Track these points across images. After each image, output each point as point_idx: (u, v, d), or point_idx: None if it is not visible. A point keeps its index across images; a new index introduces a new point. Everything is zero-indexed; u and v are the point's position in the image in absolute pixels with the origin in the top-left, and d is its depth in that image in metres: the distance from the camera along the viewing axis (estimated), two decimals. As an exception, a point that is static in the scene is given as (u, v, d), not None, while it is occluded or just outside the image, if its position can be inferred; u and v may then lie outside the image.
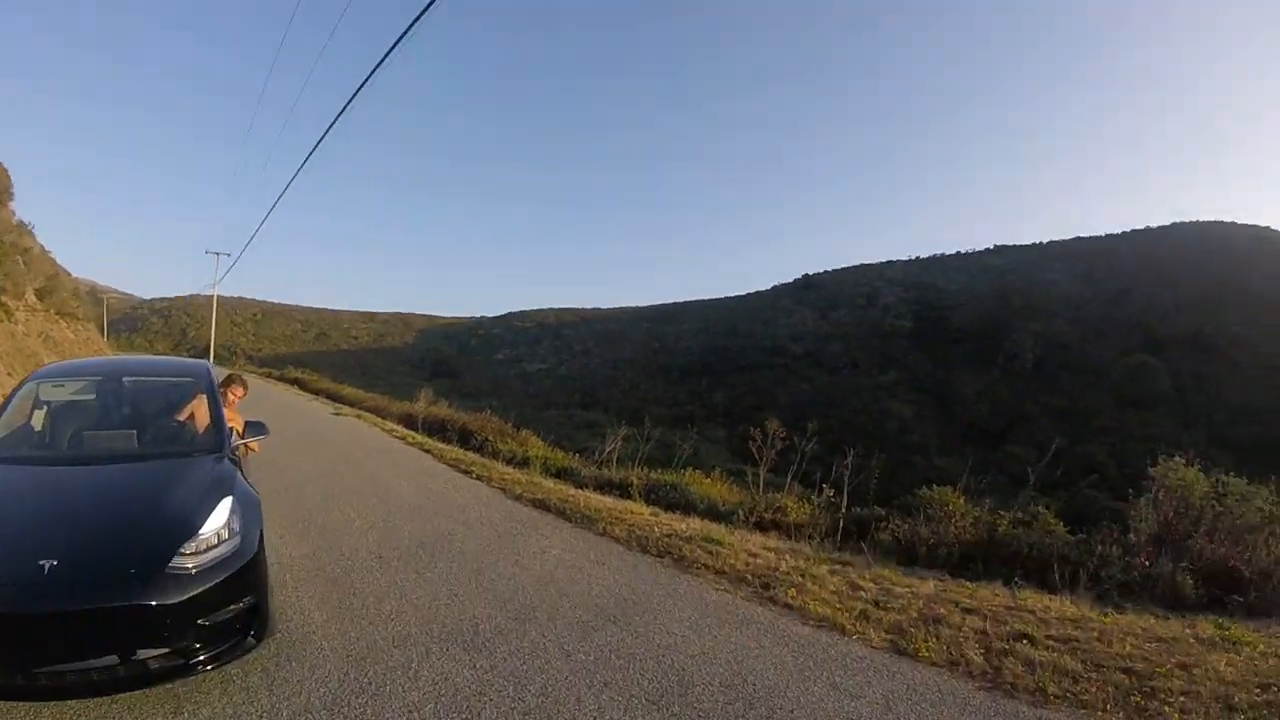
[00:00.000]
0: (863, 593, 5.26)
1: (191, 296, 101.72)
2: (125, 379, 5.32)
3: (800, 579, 5.47)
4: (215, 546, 3.38)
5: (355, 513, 7.04)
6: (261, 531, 3.82)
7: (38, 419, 4.86)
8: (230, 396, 5.55)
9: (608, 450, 13.18)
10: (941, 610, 4.87)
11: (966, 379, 66.27)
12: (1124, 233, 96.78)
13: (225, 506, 3.67)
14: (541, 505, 7.83)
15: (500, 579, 5.16)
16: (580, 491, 9.22)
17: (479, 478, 9.47)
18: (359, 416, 18.48)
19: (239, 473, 4.33)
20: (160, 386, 5.44)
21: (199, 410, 4.98)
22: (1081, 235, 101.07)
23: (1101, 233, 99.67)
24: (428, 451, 11.90)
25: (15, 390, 4.97)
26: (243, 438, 4.97)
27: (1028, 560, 6.66)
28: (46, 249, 29.33)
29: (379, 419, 18.52)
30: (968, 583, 5.87)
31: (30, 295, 21.01)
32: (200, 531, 3.38)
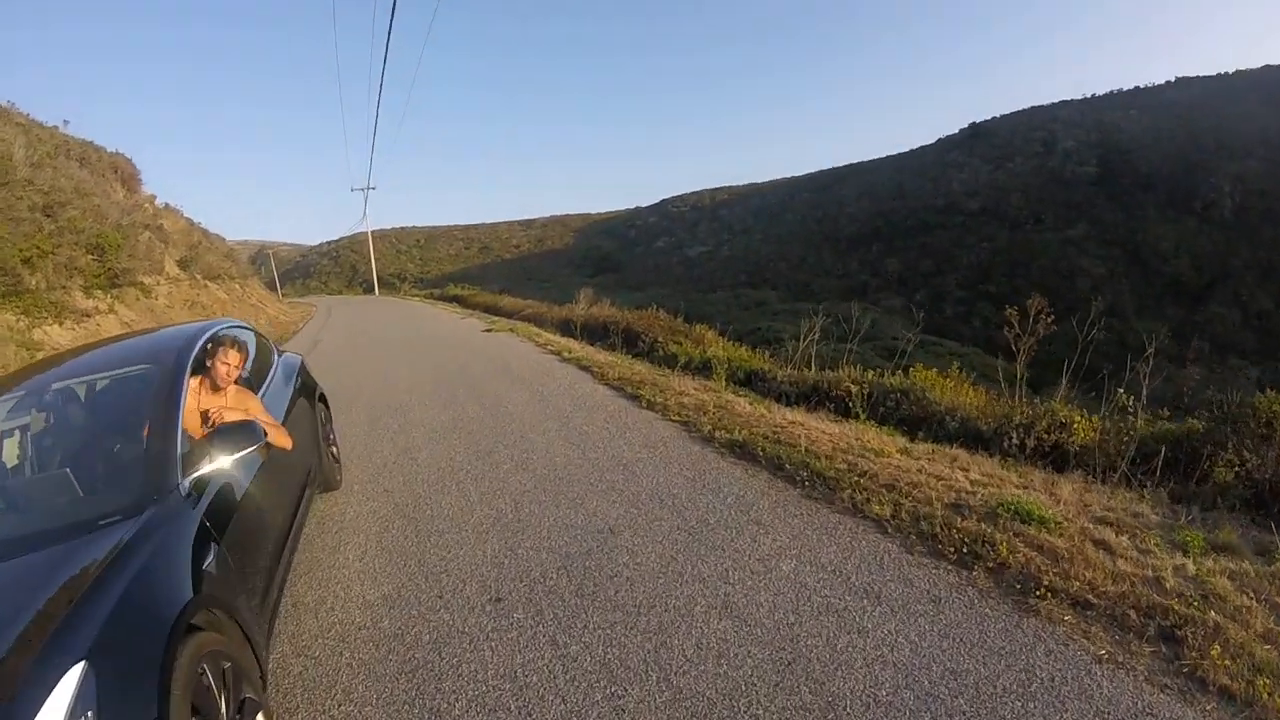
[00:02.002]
0: None
1: (356, 234, 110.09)
2: (55, 385, 3.64)
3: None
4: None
5: (477, 492, 5.28)
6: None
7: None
8: (222, 368, 3.72)
9: (803, 341, 10.74)
10: None
11: (1161, 230, 61.18)
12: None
13: (64, 695, 1.77)
14: (745, 453, 5.69)
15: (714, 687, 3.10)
16: (788, 415, 6.94)
17: (650, 405, 7.48)
18: (512, 330, 17.33)
19: (193, 533, 2.60)
20: (112, 387, 3.78)
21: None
22: (1271, 64, 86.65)
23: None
24: (586, 369, 10.11)
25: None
26: (226, 451, 3.16)
27: None
28: (194, 221, 31.72)
29: (535, 330, 17.27)
30: None
31: (171, 267, 21.94)
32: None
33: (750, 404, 7.53)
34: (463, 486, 5.47)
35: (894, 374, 8.71)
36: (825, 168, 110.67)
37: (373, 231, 72.91)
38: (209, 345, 3.81)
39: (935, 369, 9.49)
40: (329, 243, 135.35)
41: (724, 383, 9.29)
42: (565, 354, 11.89)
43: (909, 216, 74.76)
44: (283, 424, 4.43)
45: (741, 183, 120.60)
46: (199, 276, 24.65)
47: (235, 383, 3.86)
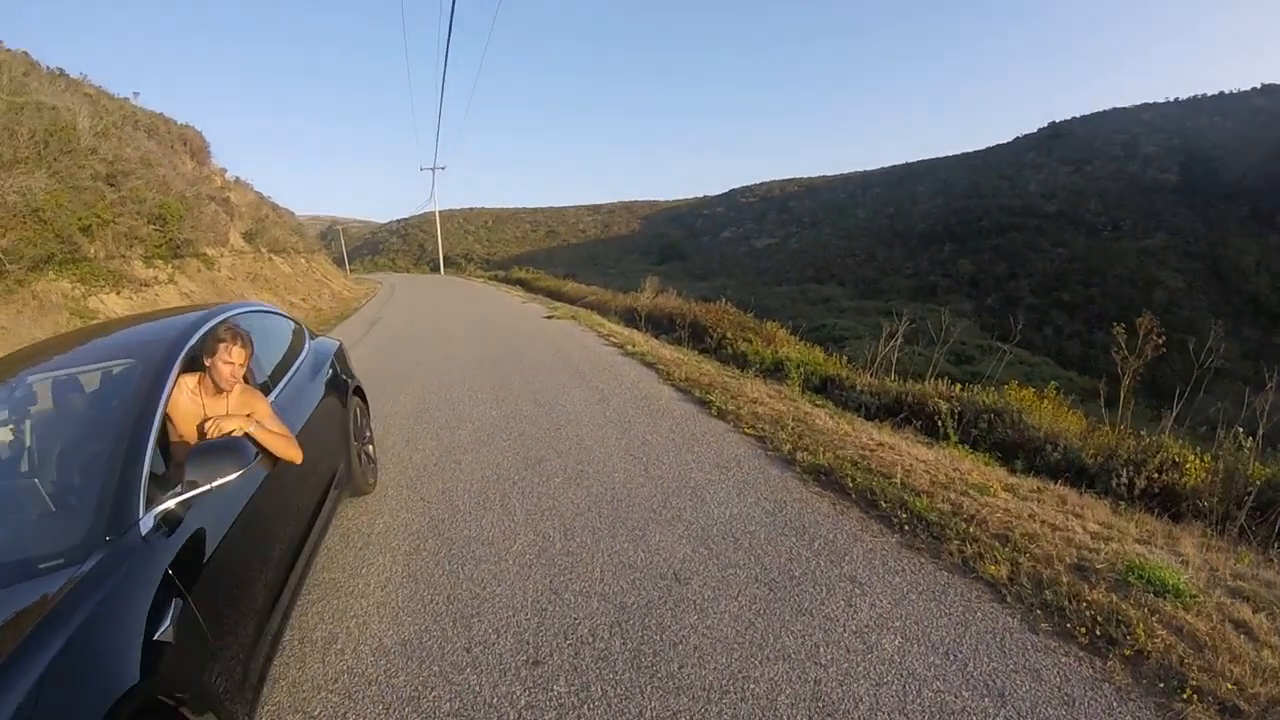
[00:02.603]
0: None
1: (425, 214, 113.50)
2: (28, 379, 3.16)
3: None
4: None
5: (523, 510, 4.70)
6: None
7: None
8: (224, 369, 3.18)
9: (883, 345, 9.89)
10: None
11: (1243, 244, 59.28)
12: None
13: None
14: (831, 481, 4.97)
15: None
16: (874, 434, 6.20)
17: (721, 413, 6.79)
18: (574, 318, 16.82)
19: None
20: (84, 386, 3.25)
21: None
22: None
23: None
24: (651, 366, 9.47)
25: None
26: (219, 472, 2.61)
27: None
28: (264, 195, 32.59)
29: (598, 319, 16.74)
30: None
31: (236, 239, 22.26)
32: None
33: (831, 417, 6.77)
34: (507, 501, 4.91)
35: (980, 388, 7.88)
36: (898, 163, 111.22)
37: (441, 211, 74.36)
38: (211, 338, 3.24)
39: (1018, 382, 8.56)
40: (398, 221, 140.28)
41: (799, 389, 8.55)
42: (629, 347, 11.28)
43: (983, 216, 73.41)
44: (303, 426, 3.92)
45: (812, 174, 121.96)
46: (264, 250, 25.03)
47: (244, 382, 3.35)
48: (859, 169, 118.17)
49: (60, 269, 11.64)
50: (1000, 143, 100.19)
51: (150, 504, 2.35)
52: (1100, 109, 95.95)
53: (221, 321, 3.53)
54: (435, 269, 69.66)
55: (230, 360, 3.17)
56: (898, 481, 4.79)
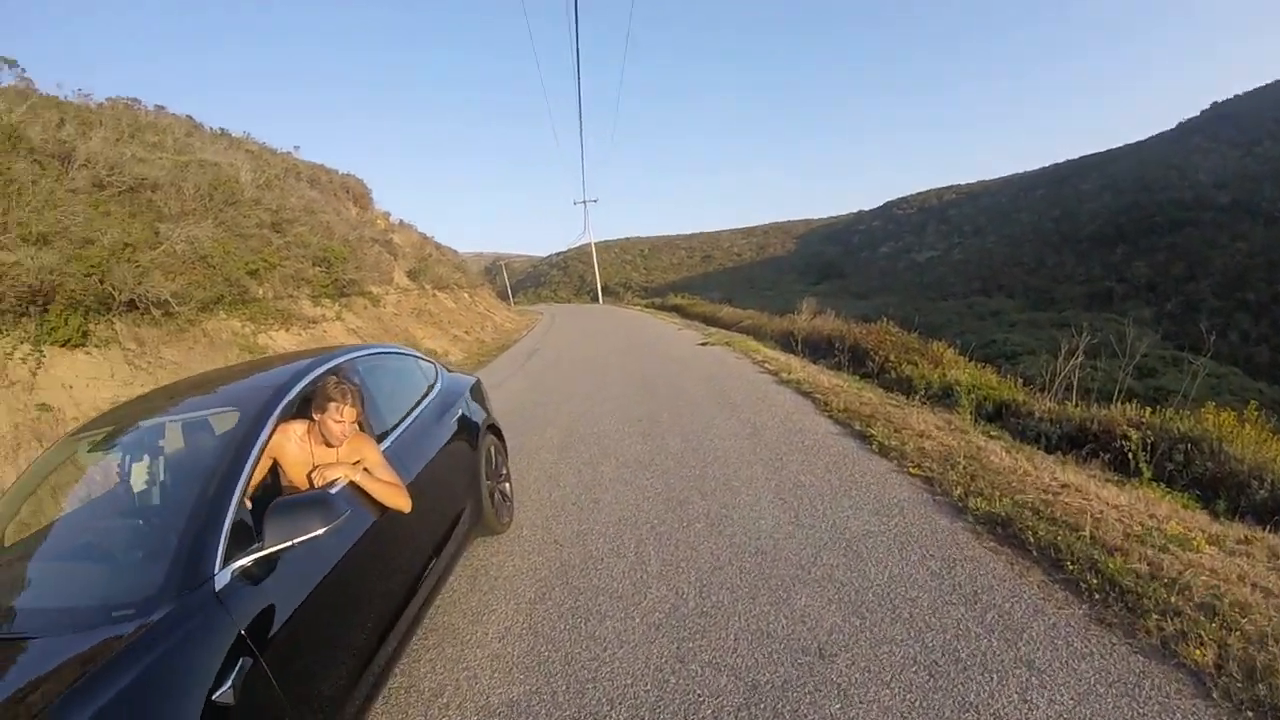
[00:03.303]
0: None
1: (583, 245, 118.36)
2: (144, 424, 3.20)
3: None
4: None
5: (658, 560, 4.37)
6: None
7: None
8: (334, 427, 3.09)
9: (1063, 363, 8.74)
10: None
11: None
12: None
13: None
14: (1008, 534, 4.21)
15: None
16: (1057, 473, 5.34)
17: (883, 450, 6.14)
18: (728, 344, 16.46)
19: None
20: (191, 432, 3.27)
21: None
22: None
23: None
24: (807, 395, 8.90)
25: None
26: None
27: None
28: (426, 235, 35.07)
29: (752, 344, 16.25)
30: None
31: (400, 278, 23.78)
32: None
33: (1007, 452, 5.93)
34: (642, 549, 4.60)
35: (1173, 411, 6.71)
36: (1060, 160, 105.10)
37: (597, 242, 77.03)
38: (322, 394, 3.15)
39: (1214, 403, 7.23)
40: (558, 254, 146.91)
41: (970, 418, 7.69)
42: (784, 375, 10.75)
43: (1155, 212, 67.02)
44: (424, 469, 3.83)
45: (970, 180, 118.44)
46: (427, 286, 26.63)
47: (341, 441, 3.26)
48: (1018, 170, 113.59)
49: (230, 309, 12.79)
50: (1164, 130, 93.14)
51: (229, 559, 2.27)
52: (1262, 84, 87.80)
53: (332, 370, 3.47)
54: (594, 299, 71.96)
55: (340, 419, 3.11)
56: (1086, 535, 3.99)
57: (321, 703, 2.38)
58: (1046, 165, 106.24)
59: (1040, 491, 4.82)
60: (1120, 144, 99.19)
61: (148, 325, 10.44)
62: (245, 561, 2.31)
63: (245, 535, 2.40)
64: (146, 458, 3.11)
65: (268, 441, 2.76)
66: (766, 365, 12.21)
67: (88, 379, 8.75)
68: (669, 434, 7.62)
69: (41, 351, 8.54)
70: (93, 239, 9.87)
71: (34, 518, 2.91)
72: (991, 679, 2.88)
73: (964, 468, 5.38)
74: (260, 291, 13.92)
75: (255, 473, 3.07)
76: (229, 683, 1.95)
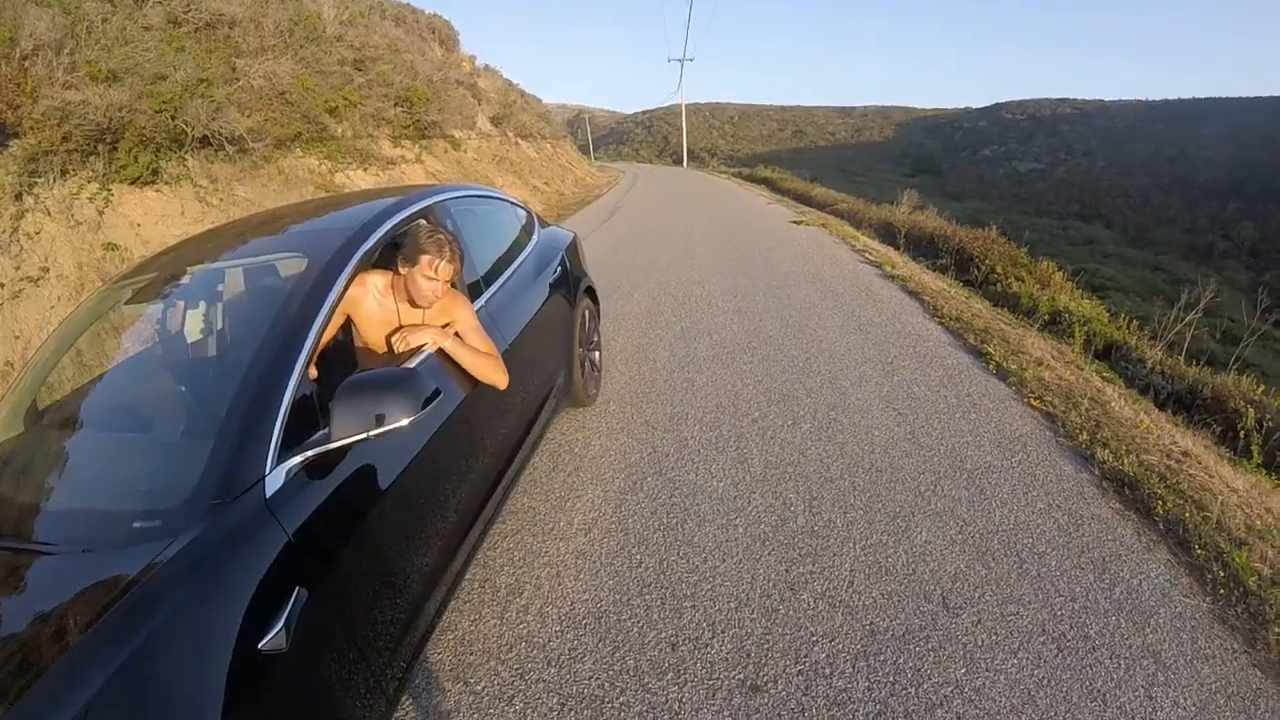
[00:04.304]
0: None
1: (671, 106, 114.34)
2: (224, 265, 2.74)
3: None
4: None
5: (761, 461, 3.97)
6: None
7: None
8: (424, 284, 2.60)
9: (1178, 315, 7.74)
10: None
11: None
12: None
13: None
14: (1135, 498, 3.58)
15: None
16: (1176, 438, 4.58)
17: (1000, 372, 5.46)
18: (824, 226, 15.48)
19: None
20: (250, 283, 2.83)
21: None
22: None
23: None
24: (914, 296, 8.15)
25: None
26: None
27: None
28: (511, 82, 33.76)
29: (849, 230, 15.23)
30: None
31: (483, 123, 23.10)
32: None
33: (1125, 401, 5.22)
34: (744, 445, 4.20)
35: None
36: (1184, 97, 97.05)
37: (686, 104, 74.11)
38: (413, 243, 2.62)
39: None
40: (643, 112, 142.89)
41: (1082, 353, 6.92)
42: (887, 268, 9.96)
43: (1278, 175, 60.57)
44: (520, 335, 3.39)
45: (1086, 97, 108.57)
46: (510, 134, 25.87)
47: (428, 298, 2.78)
48: (1140, 97, 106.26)
49: (307, 146, 12.48)
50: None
51: (286, 453, 1.81)
52: None
53: (422, 213, 2.93)
54: (678, 162, 70.22)
55: (433, 277, 2.60)
56: (1214, 519, 3.42)
57: (390, 631, 2.02)
58: (1170, 98, 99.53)
59: (1163, 455, 4.19)
60: (1255, 95, 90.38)
61: (221, 162, 10.26)
62: (306, 456, 1.85)
63: (308, 418, 1.95)
64: (190, 313, 2.69)
65: (340, 299, 2.26)
66: (867, 255, 11.38)
67: (157, 216, 8.63)
68: (766, 316, 7.09)
69: (109, 190, 8.41)
70: (165, 75, 9.52)
71: (67, 384, 2.52)
72: (1119, 666, 2.46)
73: (1086, 410, 4.71)
74: (339, 130, 13.56)
75: (325, 334, 2.71)
76: (279, 624, 1.52)
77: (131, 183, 8.67)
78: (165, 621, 1.37)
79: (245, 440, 1.76)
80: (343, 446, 1.89)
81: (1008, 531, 3.25)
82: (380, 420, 1.88)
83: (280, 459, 1.79)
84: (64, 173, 7.99)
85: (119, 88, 8.74)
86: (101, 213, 8.13)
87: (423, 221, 2.84)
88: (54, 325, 6.32)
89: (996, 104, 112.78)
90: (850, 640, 2.58)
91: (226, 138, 10.12)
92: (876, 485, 3.68)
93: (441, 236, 2.63)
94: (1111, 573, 2.95)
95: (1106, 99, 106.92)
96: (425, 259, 2.57)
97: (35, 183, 7.61)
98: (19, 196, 7.35)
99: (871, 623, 2.66)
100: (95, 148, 8.40)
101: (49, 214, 7.55)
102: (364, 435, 1.88)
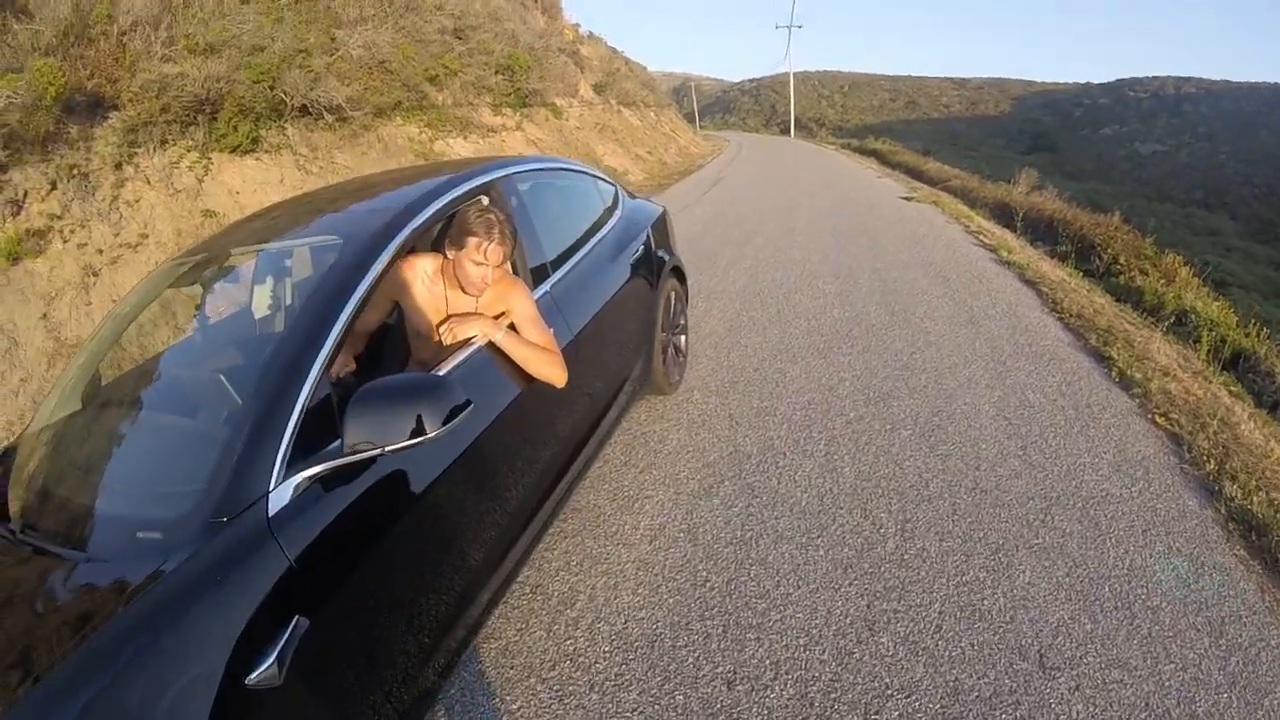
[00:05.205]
0: None
1: (778, 74, 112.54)
2: (231, 254, 2.56)
3: None
4: None
5: (853, 470, 3.62)
6: None
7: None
8: (471, 270, 2.37)
9: None
10: None
11: None
12: None
13: None
14: (1261, 547, 3.00)
15: None
16: None
17: (1123, 381, 4.80)
18: (935, 203, 14.59)
19: None
20: (289, 267, 2.68)
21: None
22: None
23: None
24: (1031, 285, 7.42)
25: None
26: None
27: None
28: (615, 49, 33.62)
29: (963, 208, 14.31)
30: None
31: (586, 91, 22.99)
32: None
33: (1255, 424, 4.48)
34: (834, 450, 3.84)
35: None
36: None
37: (795, 73, 72.37)
38: (461, 224, 2.40)
39: None
40: (751, 80, 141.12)
41: (1210, 363, 6.12)
42: (1002, 253, 9.21)
43: None
44: (591, 321, 3.13)
45: (1214, 77, 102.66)
46: (613, 102, 25.71)
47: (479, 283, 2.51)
48: (1270, 80, 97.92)
49: (407, 115, 12.59)
50: None
51: (295, 464, 1.63)
52: None
53: (483, 189, 2.68)
54: (785, 131, 68.79)
55: (481, 261, 2.37)
56: None
57: (408, 660, 1.83)
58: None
59: None
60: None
61: (321, 130, 10.47)
62: (319, 470, 1.65)
63: (327, 424, 1.74)
64: (224, 300, 2.58)
65: (374, 286, 2.02)
66: (981, 238, 10.60)
67: (256, 184, 8.84)
68: (869, 301, 6.63)
69: (209, 159, 8.67)
70: (263, 47, 9.71)
71: (115, 369, 2.42)
72: None
73: (1215, 434, 4.06)
74: (439, 98, 13.66)
75: (370, 314, 2.51)
76: (271, 657, 1.36)
77: (231, 151, 8.91)
78: (137, 657, 1.23)
79: (248, 451, 1.58)
80: (354, 462, 1.69)
81: (1120, 578, 2.79)
82: (399, 434, 1.67)
83: (289, 472, 1.60)
84: (163, 143, 8.25)
85: (216, 60, 8.96)
86: (201, 181, 8.38)
87: (483, 198, 2.62)
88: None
89: (1119, 80, 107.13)
90: (929, 699, 2.24)
91: (325, 106, 10.29)
92: (980, 510, 3.27)
93: (491, 217, 2.39)
94: (1229, 639, 2.46)
95: (1234, 79, 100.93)
96: (472, 241, 2.35)
97: (135, 153, 7.87)
98: (119, 166, 7.61)
99: (956, 679, 2.31)
100: (195, 118, 8.66)
101: (149, 182, 7.81)
102: (378, 451, 1.67)
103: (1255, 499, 3.38)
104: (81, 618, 1.36)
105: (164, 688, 1.22)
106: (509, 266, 2.68)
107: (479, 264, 2.36)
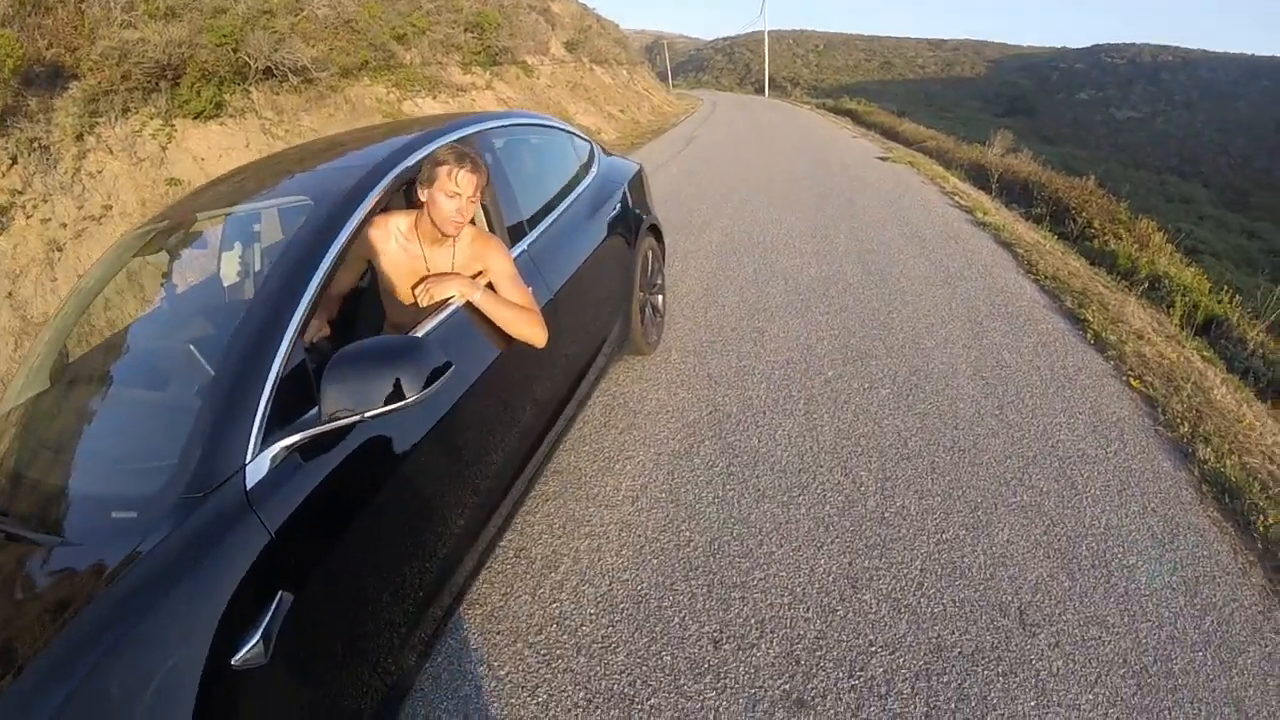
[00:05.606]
0: None
1: (753, 33, 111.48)
2: (199, 218, 2.48)
3: None
4: None
5: (832, 429, 3.64)
6: None
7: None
8: (443, 202, 2.22)
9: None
10: None
11: None
12: None
13: None
14: (1234, 509, 3.08)
15: None
16: None
17: (1097, 342, 4.88)
18: (911, 163, 14.57)
19: None
20: (260, 230, 2.59)
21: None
22: None
23: None
24: (1007, 247, 7.48)
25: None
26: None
27: None
28: (587, 7, 33.07)
29: (939, 169, 14.30)
30: None
31: (557, 48, 22.56)
32: None
33: (1227, 388, 4.55)
34: (813, 409, 3.86)
35: None
36: None
37: (770, 32, 71.59)
38: (428, 161, 2.30)
39: None
40: (724, 39, 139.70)
41: (1178, 313, 6.22)
42: (978, 213, 9.24)
43: None
44: (568, 280, 3.08)
45: (1191, 45, 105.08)
46: (585, 60, 25.26)
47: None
48: (1247, 51, 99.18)
49: (374, 75, 12.30)
50: None
51: (272, 434, 1.57)
52: None
53: (462, 142, 2.57)
54: (759, 91, 68.21)
55: (456, 190, 2.24)
56: None
57: (395, 630, 1.81)
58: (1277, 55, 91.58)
59: (1265, 458, 3.62)
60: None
61: (287, 93, 10.19)
62: (297, 438, 1.59)
63: (303, 391, 1.69)
64: (191, 268, 2.51)
65: (346, 247, 1.94)
66: (956, 198, 10.61)
67: (221, 150, 8.62)
68: (846, 260, 6.64)
69: (172, 125, 8.43)
70: (225, 9, 9.42)
71: (83, 345, 2.33)
72: (1199, 714, 2.08)
73: (1188, 397, 4.13)
74: (407, 57, 13.36)
75: (343, 276, 2.45)
76: (256, 635, 1.33)
77: (195, 117, 8.68)
78: (117, 644, 1.18)
79: (222, 423, 1.52)
80: (333, 429, 1.64)
81: (1097, 537, 2.84)
82: (378, 399, 1.62)
83: (266, 442, 1.55)
84: (125, 111, 8.01)
85: (178, 24, 8.68)
86: (165, 148, 8.16)
87: (447, 148, 2.55)
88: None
89: (1096, 45, 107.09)
90: (913, 655, 2.28)
91: (290, 68, 10.00)
92: (958, 468, 3.30)
93: (461, 148, 2.32)
94: (1203, 598, 2.53)
95: (1211, 49, 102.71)
96: (443, 170, 2.24)
97: (96, 123, 7.62)
98: (80, 137, 7.37)
99: (938, 636, 2.35)
100: (157, 84, 8.40)
101: (111, 152, 7.57)
102: (357, 417, 1.62)
103: (1228, 462, 3.44)
104: (60, 605, 1.31)
105: (148, 673, 1.19)
106: (485, 224, 2.63)
107: (453, 194, 2.24)
